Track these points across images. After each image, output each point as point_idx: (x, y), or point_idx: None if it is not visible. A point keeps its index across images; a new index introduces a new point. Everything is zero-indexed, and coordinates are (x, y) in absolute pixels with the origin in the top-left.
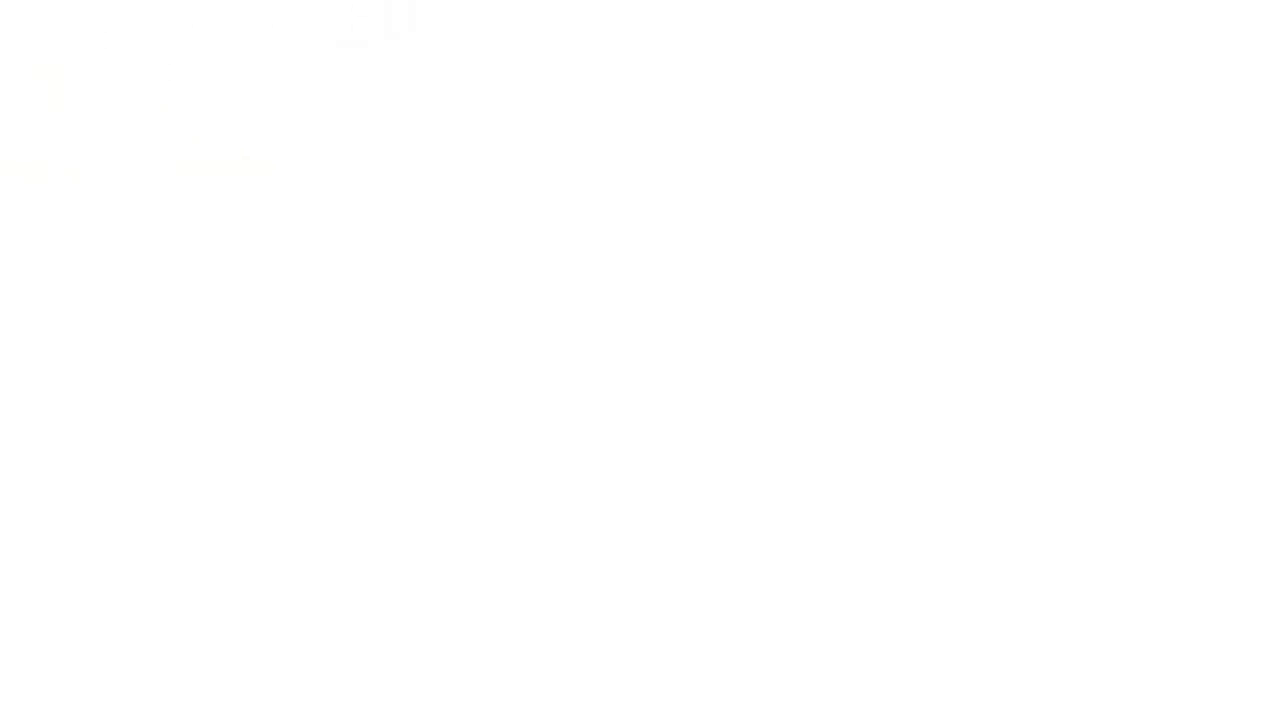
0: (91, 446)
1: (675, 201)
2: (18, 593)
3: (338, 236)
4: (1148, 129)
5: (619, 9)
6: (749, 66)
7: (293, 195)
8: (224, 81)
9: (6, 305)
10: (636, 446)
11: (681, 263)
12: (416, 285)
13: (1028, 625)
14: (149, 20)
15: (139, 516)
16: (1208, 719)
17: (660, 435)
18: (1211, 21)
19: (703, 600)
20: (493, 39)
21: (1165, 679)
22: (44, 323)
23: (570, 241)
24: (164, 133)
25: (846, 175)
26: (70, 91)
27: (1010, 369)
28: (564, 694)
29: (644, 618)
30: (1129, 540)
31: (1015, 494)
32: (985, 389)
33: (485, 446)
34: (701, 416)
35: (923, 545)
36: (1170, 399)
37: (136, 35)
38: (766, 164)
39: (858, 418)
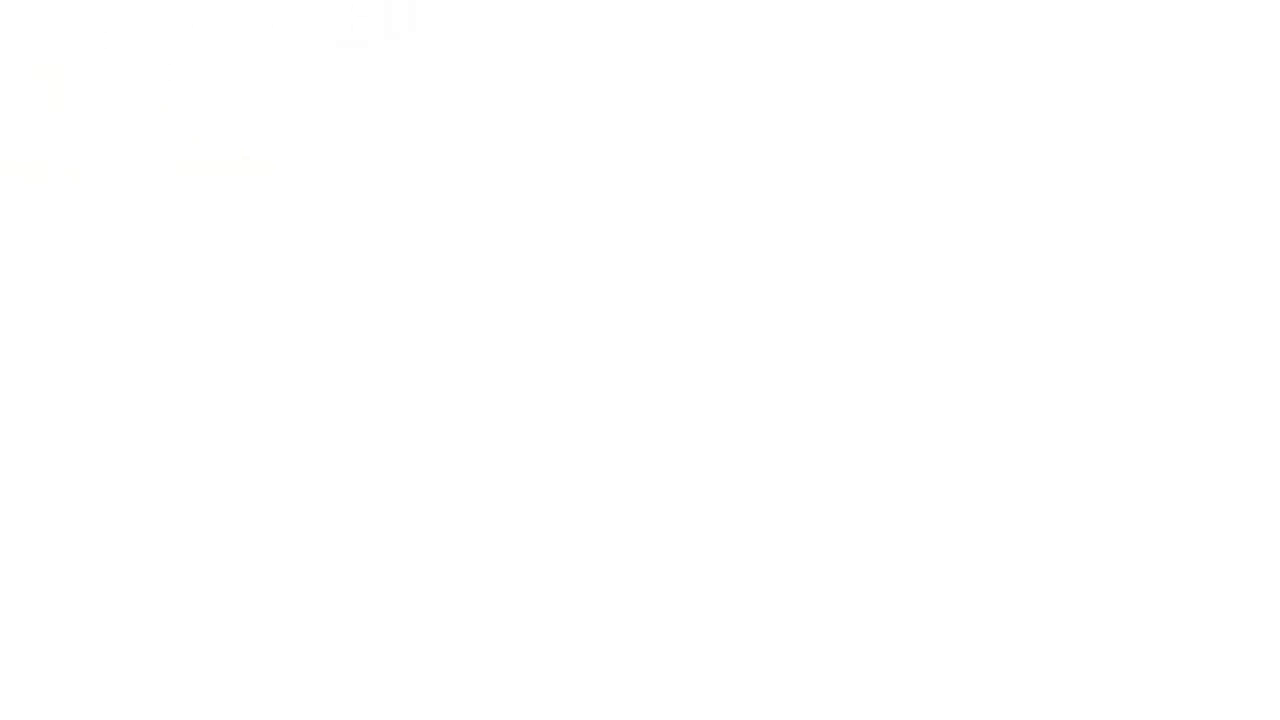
0: (92, 446)
1: (675, 201)
2: (18, 593)
3: (338, 236)
4: (1148, 129)
5: (619, 9)
6: (749, 66)
7: (293, 195)
8: (224, 81)
9: (6, 305)
10: (637, 446)
11: (681, 263)
12: (416, 285)
13: (1028, 625)
14: (149, 20)
15: (139, 516)
16: (1208, 719)
17: (660, 435)
18: (1211, 21)
19: (703, 600)
20: (493, 39)
21: (1165, 679)
22: (44, 323)
23: (570, 241)
24: (164, 133)
25: (846, 175)
26: (70, 91)
27: (1010, 369)
28: (564, 694)
29: (644, 618)
30: (1129, 540)
31: (1015, 494)
32: (985, 389)
33: (485, 446)
34: (702, 416)
35: (923, 545)
36: (1170, 399)
37: (136, 35)
38: (766, 164)
39: (858, 417)
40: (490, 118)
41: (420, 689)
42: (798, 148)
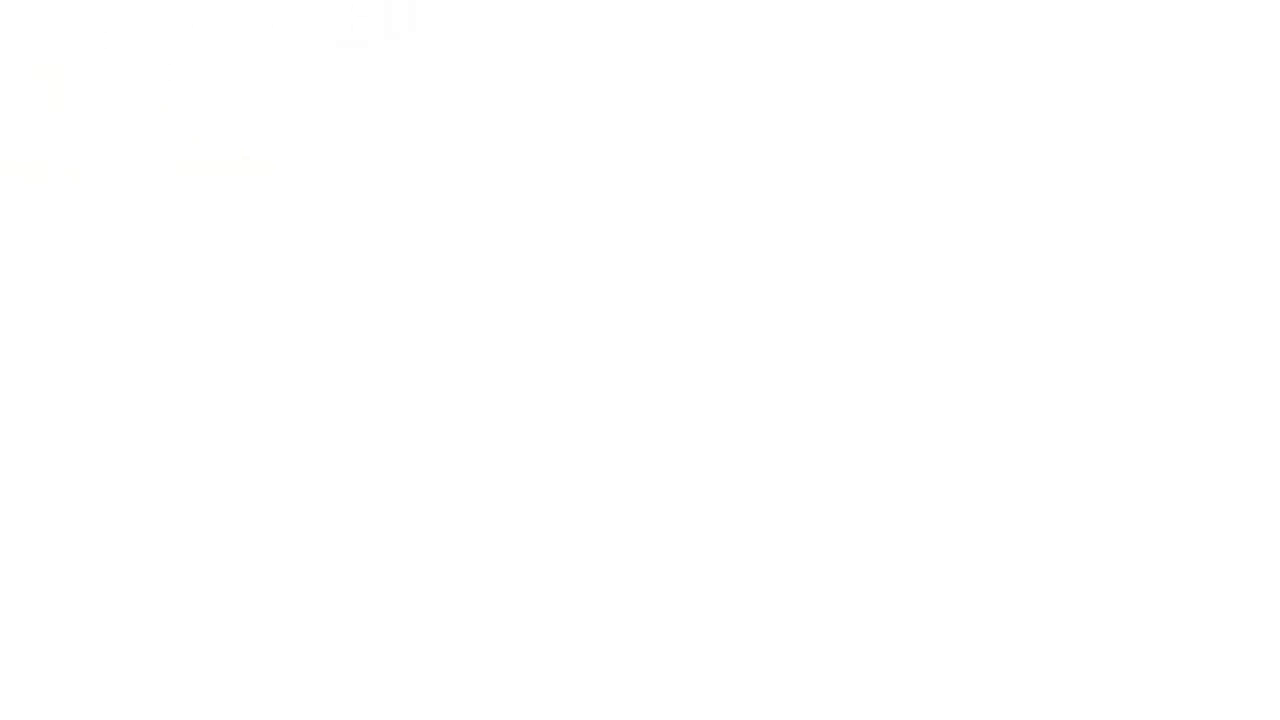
0: (92, 446)
1: (675, 201)
2: (18, 593)
3: (338, 236)
4: (1148, 129)
5: (619, 9)
6: (749, 66)
7: (293, 195)
8: (224, 81)
9: (7, 305)
10: (636, 447)
11: (681, 263)
12: (416, 285)
13: (1028, 625)
14: (149, 20)
15: (139, 516)
16: (1208, 719)
17: (661, 435)
18: (1211, 21)
19: (703, 600)
20: (493, 39)
21: (1165, 679)
22: (44, 323)
23: (570, 241)
24: (164, 133)
25: (846, 175)
26: (70, 91)
27: (1010, 369)
28: (564, 694)
29: (644, 618)
30: (1129, 540)
31: (1015, 494)
32: (985, 389)
33: (485, 446)
34: (702, 417)
35: (923, 545)
36: (1170, 399)
37: (136, 35)
38: (766, 164)
39: (858, 418)
40: (490, 118)
41: (420, 689)
42: (798, 148)
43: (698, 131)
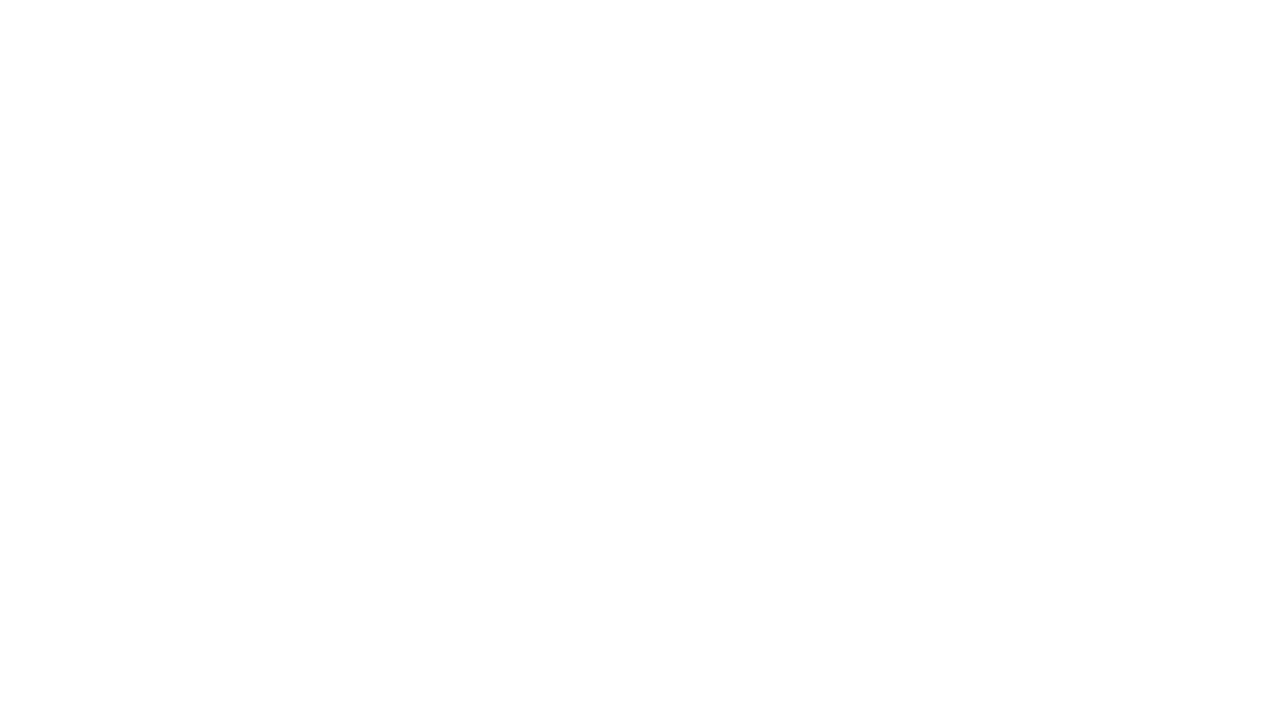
0: (92, 446)
1: (675, 201)
2: (18, 593)
3: (337, 237)
4: (1148, 129)
5: (619, 9)
6: (749, 66)
7: (295, 195)
8: (225, 81)
9: (6, 305)
10: (636, 446)
11: (681, 263)
12: (416, 285)
13: (1028, 625)
14: (149, 20)
15: (139, 516)
16: (1208, 718)
17: (659, 435)
18: (1211, 21)
19: (701, 600)
20: (492, 39)
21: (1165, 679)
22: (44, 323)
23: (570, 241)
24: (164, 132)
25: (846, 175)
26: (71, 91)
27: (1010, 369)
28: (564, 694)
29: (644, 618)
30: (1129, 540)
31: (1015, 494)
32: (985, 389)
33: (485, 445)
34: (700, 416)
35: (923, 545)
36: (1170, 399)
37: (136, 35)
38: (766, 164)
39: (858, 418)
40: (490, 118)
41: (420, 689)
42: (798, 148)
43: (698, 131)
